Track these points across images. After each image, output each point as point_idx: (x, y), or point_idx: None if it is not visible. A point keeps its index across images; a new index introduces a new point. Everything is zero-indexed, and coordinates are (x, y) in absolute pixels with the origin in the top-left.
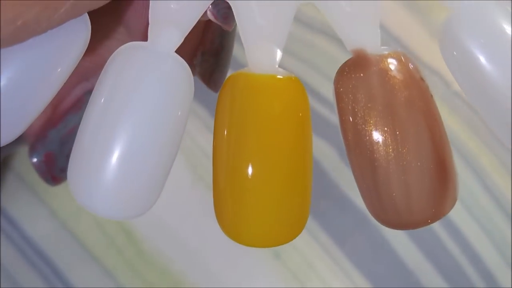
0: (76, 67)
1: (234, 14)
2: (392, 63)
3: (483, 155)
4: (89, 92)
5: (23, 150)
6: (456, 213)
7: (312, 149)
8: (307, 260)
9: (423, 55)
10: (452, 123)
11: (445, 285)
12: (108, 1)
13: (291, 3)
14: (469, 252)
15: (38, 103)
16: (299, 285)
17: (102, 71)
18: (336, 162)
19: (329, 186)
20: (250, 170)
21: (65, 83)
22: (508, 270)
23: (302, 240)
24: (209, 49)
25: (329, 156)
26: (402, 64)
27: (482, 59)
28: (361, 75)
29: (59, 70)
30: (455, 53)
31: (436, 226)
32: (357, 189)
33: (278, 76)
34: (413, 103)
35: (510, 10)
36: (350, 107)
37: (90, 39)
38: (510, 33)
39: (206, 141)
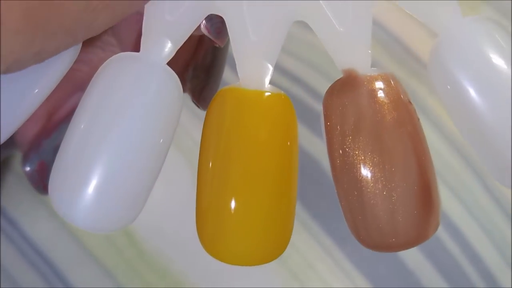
0: (71, 78)
1: (228, 29)
2: (382, 84)
3: None
4: None
5: None
6: (456, 213)
7: (298, 168)
8: (307, 260)
9: (423, 55)
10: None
11: (445, 285)
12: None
13: (284, 21)
14: (469, 252)
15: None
16: (299, 285)
17: (92, 79)
18: None
19: (329, 186)
20: (233, 196)
21: (59, 93)
22: (508, 270)
23: (302, 240)
24: (200, 65)
25: None
26: (391, 86)
27: (470, 89)
28: (351, 95)
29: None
30: (443, 81)
31: None
32: None
33: (267, 93)
34: (401, 125)
35: (499, 32)
36: (338, 127)
37: (84, 50)
38: (497, 58)
39: None
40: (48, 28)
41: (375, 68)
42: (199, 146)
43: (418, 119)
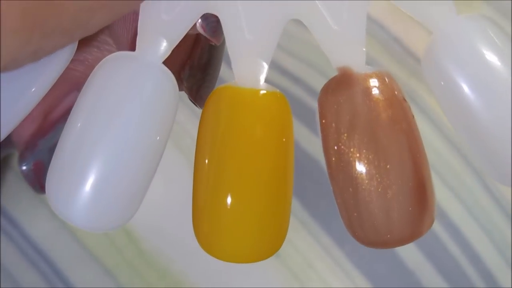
0: (67, 77)
1: (223, 27)
2: (376, 82)
3: None
4: None
5: None
6: (456, 213)
7: (293, 166)
8: (307, 260)
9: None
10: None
11: (445, 285)
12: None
13: (279, 20)
14: (469, 252)
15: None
16: (299, 285)
17: (88, 79)
18: None
19: (329, 185)
20: (229, 194)
21: (55, 93)
22: (508, 270)
23: (302, 240)
24: (197, 64)
25: None
26: (386, 83)
27: (463, 86)
28: (346, 93)
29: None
30: (437, 79)
31: (436, 226)
32: None
33: (262, 92)
34: (396, 122)
35: (493, 29)
36: (333, 125)
37: (80, 49)
38: (490, 55)
39: None
40: (46, 27)
41: (370, 66)
42: None
43: (413, 116)
